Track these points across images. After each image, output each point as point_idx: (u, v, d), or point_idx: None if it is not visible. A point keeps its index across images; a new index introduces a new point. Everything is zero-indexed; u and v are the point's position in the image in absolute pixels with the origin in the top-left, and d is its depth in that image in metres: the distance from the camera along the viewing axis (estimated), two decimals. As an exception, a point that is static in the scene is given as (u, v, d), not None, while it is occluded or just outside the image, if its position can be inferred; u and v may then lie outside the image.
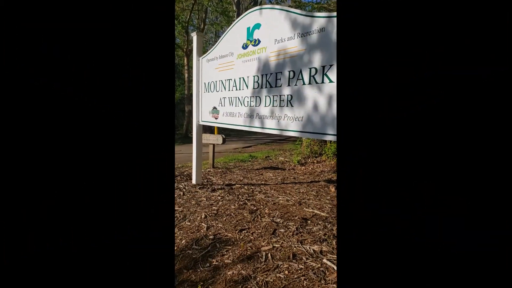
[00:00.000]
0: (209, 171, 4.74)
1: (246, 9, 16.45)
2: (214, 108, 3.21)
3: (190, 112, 11.41)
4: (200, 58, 3.42)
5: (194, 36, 3.41)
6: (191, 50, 10.89)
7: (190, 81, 11.25)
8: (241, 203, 2.95)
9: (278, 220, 2.50)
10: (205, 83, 3.38)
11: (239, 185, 3.71)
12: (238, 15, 13.85)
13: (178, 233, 2.29)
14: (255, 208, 2.81)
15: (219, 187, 3.56)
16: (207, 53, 3.30)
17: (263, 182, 3.99)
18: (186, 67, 10.69)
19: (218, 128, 6.13)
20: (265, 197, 3.20)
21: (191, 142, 9.84)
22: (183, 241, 2.17)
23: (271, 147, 8.85)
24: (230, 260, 1.87)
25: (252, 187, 3.66)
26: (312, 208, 2.84)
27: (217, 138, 4.95)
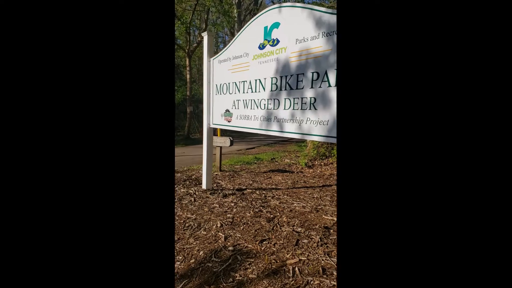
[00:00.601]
0: (216, 174, 4.61)
1: (247, 9, 16.33)
2: (227, 110, 3.09)
3: (192, 113, 11.28)
4: (211, 59, 3.30)
5: (205, 36, 3.29)
6: (193, 51, 10.76)
7: (192, 82, 11.11)
8: (256, 210, 2.83)
9: (299, 229, 2.38)
10: (216, 85, 3.26)
11: (250, 190, 3.59)
12: (239, 16, 13.76)
13: (194, 243, 2.17)
14: (271, 216, 2.69)
15: (230, 192, 3.44)
16: (219, 53, 3.18)
17: (273, 187, 3.87)
18: (188, 68, 10.56)
19: (221, 130, 6.01)
20: (279, 203, 3.08)
21: (193, 143, 9.76)
22: (201, 252, 2.04)
23: (275, 148, 8.73)
24: (254, 274, 1.75)
25: (264, 192, 3.54)
26: (331, 215, 2.73)
27: (224, 141, 4.82)
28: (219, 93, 3.21)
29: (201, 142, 10.62)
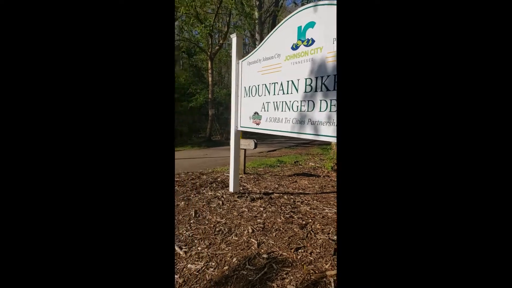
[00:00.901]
0: (241, 177, 4.57)
1: (267, 11, 16.30)
2: (256, 113, 3.04)
3: (213, 115, 11.39)
4: (240, 61, 3.26)
5: (233, 37, 3.27)
6: (215, 54, 10.87)
7: (213, 85, 11.23)
8: (287, 216, 2.74)
9: (335, 237, 2.27)
10: (245, 87, 3.21)
11: (278, 194, 3.51)
12: (260, 18, 13.74)
13: (226, 249, 2.12)
14: (303, 222, 2.59)
15: (258, 196, 3.38)
16: (248, 55, 3.13)
17: (301, 191, 3.77)
18: (210, 71, 10.67)
19: (245, 132, 5.97)
20: (310, 209, 2.97)
21: (215, 145, 9.85)
22: (234, 259, 1.99)
23: (297, 151, 8.59)
24: (293, 285, 1.67)
25: (292, 196, 3.44)
26: (367, 223, 2.59)
27: (248, 143, 4.78)
28: (248, 95, 3.17)
29: (222, 144, 10.66)
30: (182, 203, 3.05)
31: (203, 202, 3.09)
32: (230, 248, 2.13)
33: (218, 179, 4.28)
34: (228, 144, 8.66)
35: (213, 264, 1.93)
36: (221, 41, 10.88)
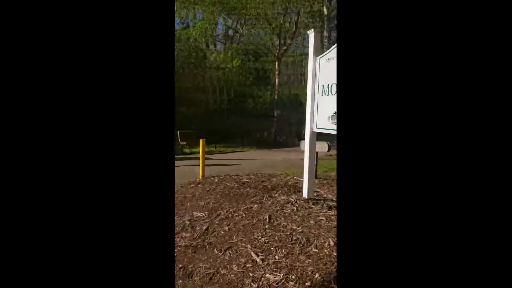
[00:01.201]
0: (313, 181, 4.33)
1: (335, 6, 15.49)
2: (336, 113, 2.78)
3: (279, 116, 11.36)
4: (318, 57, 3.05)
5: (311, 34, 3.08)
6: (282, 54, 10.82)
7: (280, 85, 11.20)
8: (373, 229, 2.41)
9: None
10: (323, 85, 2.99)
11: (357, 203, 3.17)
12: (328, 15, 13.14)
13: (306, 261, 1.94)
14: (395, 239, 2.23)
15: (334, 204, 3.10)
16: (328, 51, 2.90)
17: (383, 201, 3.33)
18: (277, 72, 10.66)
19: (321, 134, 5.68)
20: (399, 223, 2.57)
21: (280, 146, 9.81)
22: (317, 274, 1.80)
23: (370, 155, 7.86)
24: (394, 319, 1.39)
25: (374, 207, 3.06)
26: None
27: (322, 146, 4.51)
28: (327, 93, 2.93)
29: (287, 145, 10.56)
30: (255, 206, 2.99)
31: (277, 206, 2.97)
32: (310, 261, 1.95)
33: (289, 182, 4.14)
34: (294, 146, 8.48)
35: (293, 277, 1.78)
36: (289, 41, 10.76)
